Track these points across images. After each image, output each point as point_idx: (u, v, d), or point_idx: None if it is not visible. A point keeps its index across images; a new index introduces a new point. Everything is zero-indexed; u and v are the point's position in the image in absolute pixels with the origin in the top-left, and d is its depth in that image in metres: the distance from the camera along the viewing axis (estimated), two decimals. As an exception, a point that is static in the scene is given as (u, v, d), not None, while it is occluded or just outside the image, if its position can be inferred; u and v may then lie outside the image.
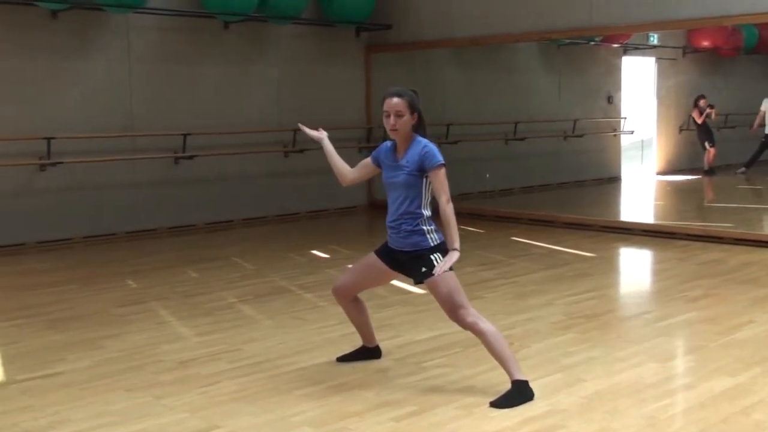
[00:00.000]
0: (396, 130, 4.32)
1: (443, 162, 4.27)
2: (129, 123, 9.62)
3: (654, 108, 15.27)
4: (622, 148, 14.92)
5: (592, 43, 13.66)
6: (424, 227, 4.33)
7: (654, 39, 14.60)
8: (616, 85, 14.70)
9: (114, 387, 4.51)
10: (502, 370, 4.31)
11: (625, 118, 14.79)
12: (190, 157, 9.94)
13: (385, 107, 4.34)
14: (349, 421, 3.96)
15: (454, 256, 4.18)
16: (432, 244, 4.32)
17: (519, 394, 4.16)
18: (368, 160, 4.62)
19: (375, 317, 5.76)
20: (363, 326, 4.86)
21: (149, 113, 9.77)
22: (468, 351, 4.99)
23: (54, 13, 8.97)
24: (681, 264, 7.79)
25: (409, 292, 6.47)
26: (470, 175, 11.70)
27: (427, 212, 4.35)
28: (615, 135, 14.71)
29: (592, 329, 5.57)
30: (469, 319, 4.26)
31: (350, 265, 7.61)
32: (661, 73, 15.27)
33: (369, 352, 4.90)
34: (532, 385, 4.24)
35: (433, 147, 4.30)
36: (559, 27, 10.08)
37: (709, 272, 7.32)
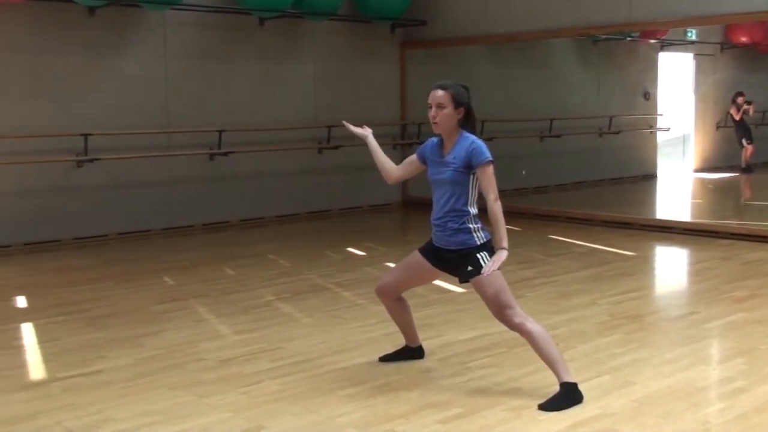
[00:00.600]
0: (437, 123, 4.25)
1: (491, 159, 4.19)
2: (165, 120, 9.62)
3: (691, 104, 15.04)
4: (658, 145, 14.73)
5: (629, 38, 13.47)
6: (471, 225, 4.25)
7: (692, 35, 14.37)
8: (653, 81, 14.49)
9: (156, 385, 4.47)
10: (549, 372, 4.22)
11: (662, 114, 14.59)
12: (225, 154, 9.92)
13: (429, 99, 4.29)
14: (394, 423, 3.89)
15: (502, 255, 4.09)
16: (478, 243, 4.24)
17: (568, 396, 4.07)
18: (414, 156, 4.53)
19: (416, 316, 5.67)
20: (406, 326, 4.78)
21: (185, 110, 9.76)
22: (513, 351, 4.90)
23: (91, 10, 8.98)
24: (725, 263, 7.64)
25: (450, 291, 6.39)
26: (505, 172, 11.57)
27: (473, 210, 4.27)
28: (651, 132, 14.51)
29: (638, 330, 5.46)
30: (517, 319, 4.17)
31: (391, 264, 7.59)
32: (699, 69, 15.03)
33: (412, 352, 4.82)
34: (580, 387, 4.14)
35: (481, 143, 4.21)
36: (597, 22, 9.94)
37: (755, 272, 7.16)
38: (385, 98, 11.61)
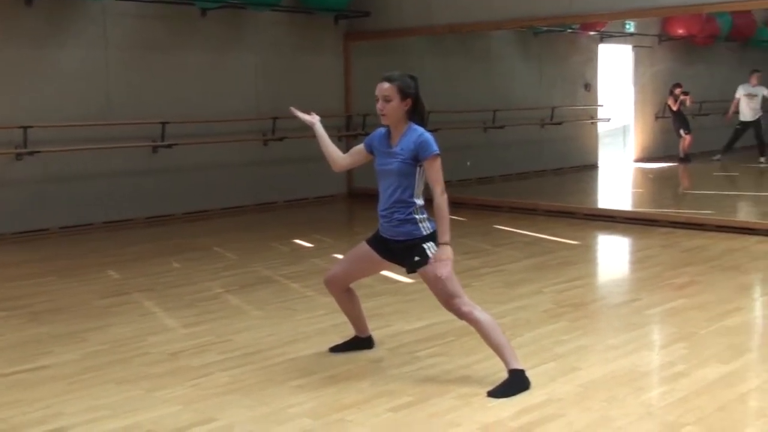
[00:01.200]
0: (384, 114, 4.27)
1: (439, 152, 4.21)
2: (106, 111, 9.47)
3: (631, 95, 15.33)
4: (599, 136, 14.98)
5: (570, 30, 13.66)
6: (417, 216, 4.28)
7: (630, 27, 14.63)
8: (594, 72, 14.72)
9: (103, 380, 4.42)
10: (497, 360, 4.28)
11: (602, 105, 14.83)
12: (169, 146, 9.81)
13: (376, 91, 4.29)
14: (346, 413, 3.91)
15: (445, 252, 4.13)
16: (424, 233, 4.27)
17: (516, 383, 4.13)
18: (361, 146, 4.54)
19: (364, 307, 5.69)
20: (355, 316, 4.81)
21: (127, 101, 9.62)
22: (461, 340, 4.95)
23: (29, 1, 8.79)
24: (665, 251, 7.82)
25: (397, 281, 6.43)
26: (450, 164, 11.66)
27: (419, 201, 4.30)
28: (592, 123, 14.75)
29: (582, 317, 5.56)
30: (465, 308, 4.22)
31: (338, 255, 7.59)
32: (638, 61, 15.32)
33: (361, 342, 4.85)
34: (527, 374, 4.21)
35: (429, 136, 4.24)
36: (538, 14, 10.06)
37: (694, 259, 7.34)
38: (329, 90, 11.59)
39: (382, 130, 4.43)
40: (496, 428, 3.71)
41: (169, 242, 8.64)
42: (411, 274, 4.44)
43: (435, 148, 4.20)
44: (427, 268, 4.22)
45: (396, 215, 4.29)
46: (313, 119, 4.67)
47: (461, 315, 4.25)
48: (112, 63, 9.51)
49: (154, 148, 9.83)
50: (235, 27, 10.58)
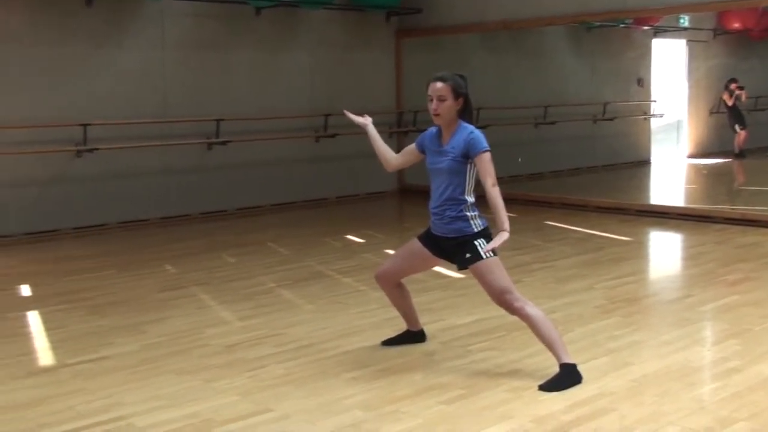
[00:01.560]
0: (438, 114, 4.32)
1: (488, 149, 4.26)
2: (163, 109, 9.67)
3: (685, 91, 15.13)
4: (652, 131, 14.82)
5: (623, 25, 13.53)
6: (468, 213, 4.33)
7: (684, 21, 14.44)
8: (647, 67, 14.56)
9: (163, 371, 4.56)
10: (548, 354, 4.32)
11: (656, 101, 14.67)
12: (223, 143, 9.98)
13: (429, 91, 4.34)
14: (399, 405, 3.98)
15: (503, 236, 4.15)
16: (476, 230, 4.32)
17: (567, 377, 4.17)
18: (413, 146, 4.60)
19: (416, 301, 5.74)
20: (406, 310, 4.88)
21: (183, 100, 9.82)
22: (512, 335, 4.99)
23: (88, 1, 9.01)
24: (719, 248, 7.74)
25: (448, 276, 6.48)
26: (500, 160, 11.66)
27: (470, 198, 4.35)
28: (645, 118, 14.59)
29: (635, 313, 5.56)
30: (516, 303, 4.26)
31: (390, 251, 7.67)
32: (692, 56, 15.10)
33: (413, 336, 4.91)
34: (579, 368, 4.24)
35: (479, 133, 4.29)
36: (591, 9, 10.01)
37: (748, 256, 7.26)
38: (381, 87, 11.67)
39: (433, 129, 4.48)
40: (548, 421, 3.74)
41: (223, 238, 8.80)
42: (462, 271, 4.48)
43: (485, 144, 4.26)
44: (480, 264, 4.26)
45: (448, 212, 4.34)
46: (366, 121, 4.74)
47: (513, 310, 4.29)
48: (169, 62, 9.71)
49: (209, 145, 10.02)
50: (289, 25, 10.71)
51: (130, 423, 3.83)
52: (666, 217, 9.31)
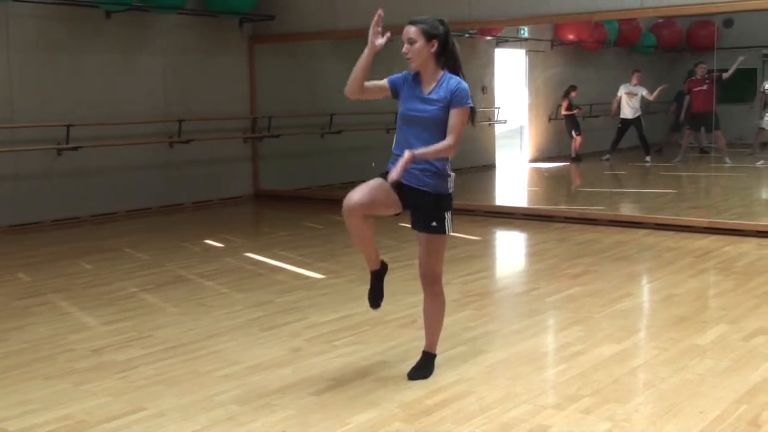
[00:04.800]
0: (410, 58, 4.19)
1: (472, 106, 4.16)
2: (9, 114, 9.38)
3: (526, 98, 15.93)
4: (496, 137, 15.52)
5: (467, 35, 14.13)
6: (449, 171, 4.28)
7: (524, 32, 15.23)
8: (490, 75, 15.26)
9: (30, 376, 4.53)
10: (410, 346, 4.59)
11: (499, 108, 15.38)
12: (74, 149, 9.78)
13: (402, 36, 4.21)
14: (271, 398, 4.14)
15: (407, 155, 4.01)
16: (450, 191, 4.30)
17: (430, 365, 4.45)
18: (384, 82, 4.35)
19: (279, 302, 6.03)
20: (372, 244, 4.43)
21: (31, 104, 9.55)
22: (375, 329, 5.24)
23: (-73, 1, 8.66)
24: (561, 244, 8.29)
25: (310, 277, 6.67)
26: (352, 164, 11.97)
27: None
28: (489, 124, 15.27)
29: (487, 306, 5.94)
30: (440, 282, 4.42)
31: (251, 254, 7.80)
32: (532, 65, 15.93)
33: (383, 273, 4.57)
34: (440, 357, 4.53)
35: (466, 86, 4.16)
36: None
37: (587, 251, 7.83)
38: (235, 92, 11.71)
39: (407, 73, 4.30)
40: (413, 406, 4.00)
41: (78, 244, 8.65)
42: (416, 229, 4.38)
43: (469, 101, 4.14)
44: (439, 236, 4.30)
45: (430, 165, 4.20)
46: (383, 41, 4.28)
47: (437, 287, 4.40)
48: (15, 65, 9.43)
49: (59, 151, 9.78)
50: (141, 29, 10.60)
51: (1, 428, 3.81)
52: (511, 217, 9.85)
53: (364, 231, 4.29)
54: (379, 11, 4.26)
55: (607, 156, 15.64)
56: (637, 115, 15.15)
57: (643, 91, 15.09)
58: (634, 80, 15.08)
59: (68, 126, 9.66)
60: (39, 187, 9.73)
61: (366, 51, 4.27)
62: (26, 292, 6.56)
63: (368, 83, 4.31)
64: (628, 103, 15.06)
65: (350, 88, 4.30)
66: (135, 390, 4.29)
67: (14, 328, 5.49)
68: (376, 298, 4.54)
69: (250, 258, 7.72)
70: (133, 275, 7.07)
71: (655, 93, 15.26)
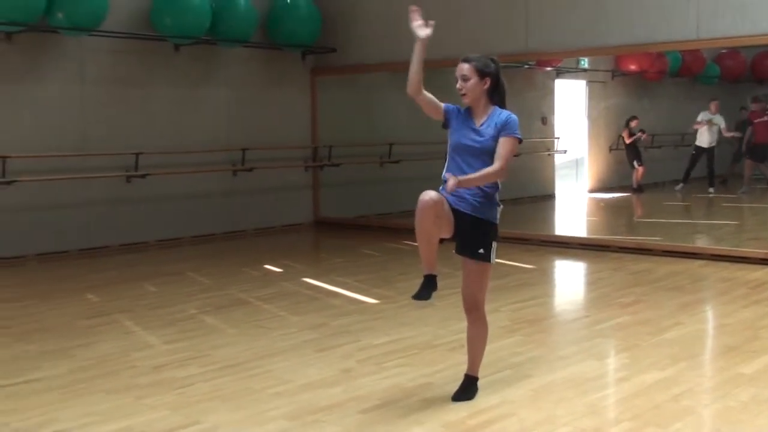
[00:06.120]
0: (464, 94, 4.42)
1: (521, 137, 4.37)
2: (81, 143, 9.82)
3: (585, 128, 15.97)
4: (556, 167, 15.58)
5: (527, 66, 14.26)
6: (497, 199, 4.47)
7: (584, 63, 15.32)
8: (550, 106, 15.35)
9: (94, 390, 4.78)
10: (455, 370, 4.73)
11: (559, 138, 15.45)
12: (143, 176, 10.18)
13: (456, 73, 4.45)
14: (320, 415, 4.32)
15: (453, 180, 4.15)
16: (497, 221, 4.49)
17: (473, 388, 4.57)
18: (440, 104, 4.55)
19: (333, 325, 6.21)
20: (435, 248, 4.48)
21: (102, 133, 9.99)
22: (423, 353, 5.39)
23: (8, 36, 9.16)
24: (615, 274, 8.33)
25: (364, 302, 6.85)
26: (410, 193, 12.14)
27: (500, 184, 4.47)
28: (549, 154, 15.34)
29: (536, 332, 6.03)
30: (484, 309, 4.59)
31: (309, 280, 7.99)
32: (592, 95, 15.99)
33: (431, 284, 4.64)
34: (485, 381, 4.65)
35: (516, 119, 4.39)
36: (497, 51, 10.57)
37: (640, 281, 7.86)
38: (297, 122, 12.04)
39: (459, 106, 4.52)
40: (456, 426, 4.14)
41: (143, 268, 8.99)
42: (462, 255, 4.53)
43: (518, 132, 4.37)
44: (484, 264, 4.48)
45: (481, 192, 4.39)
46: (427, 32, 4.43)
47: (479, 312, 4.57)
48: (88, 96, 9.89)
49: (128, 178, 10.19)
50: (207, 62, 11.01)
51: (67, 436, 4.07)
52: (567, 246, 9.90)
53: (432, 232, 4.35)
54: (413, 7, 4.46)
55: (680, 185, 15.53)
56: (712, 145, 15.05)
57: (722, 123, 14.98)
58: (713, 108, 14.99)
59: (137, 154, 10.07)
60: (108, 213, 10.13)
61: (416, 46, 4.44)
62: (93, 311, 6.87)
63: (429, 94, 4.51)
64: (708, 131, 14.97)
65: (410, 85, 4.50)
66: (192, 405, 4.51)
67: (80, 345, 5.78)
68: (422, 296, 4.60)
69: (308, 283, 7.94)
70: (194, 298, 7.34)
71: (731, 134, 15.19)
